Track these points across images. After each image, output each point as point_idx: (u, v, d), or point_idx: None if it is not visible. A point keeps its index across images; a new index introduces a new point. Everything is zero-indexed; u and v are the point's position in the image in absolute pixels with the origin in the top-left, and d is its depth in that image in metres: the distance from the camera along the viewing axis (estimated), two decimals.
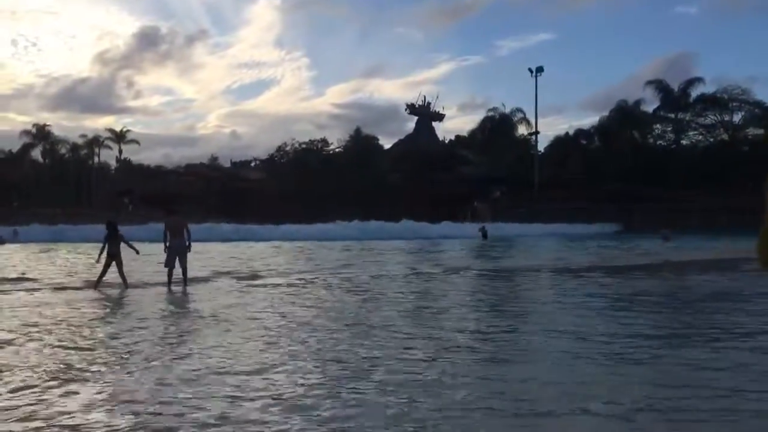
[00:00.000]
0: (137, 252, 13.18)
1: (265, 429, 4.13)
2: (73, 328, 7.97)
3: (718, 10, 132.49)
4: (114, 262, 12.64)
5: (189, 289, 12.43)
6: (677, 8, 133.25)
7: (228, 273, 15.74)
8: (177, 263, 12.86)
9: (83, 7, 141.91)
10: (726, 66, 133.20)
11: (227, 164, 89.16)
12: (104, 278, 12.63)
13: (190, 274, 13.25)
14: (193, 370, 5.64)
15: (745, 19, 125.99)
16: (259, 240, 35.18)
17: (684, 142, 66.52)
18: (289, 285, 13.11)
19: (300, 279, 14.38)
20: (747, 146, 62.83)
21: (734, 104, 63.11)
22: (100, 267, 12.72)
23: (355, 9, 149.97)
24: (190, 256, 13.07)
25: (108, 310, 9.95)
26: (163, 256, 12.95)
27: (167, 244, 12.79)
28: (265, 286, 13.02)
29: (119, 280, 12.65)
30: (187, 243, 13.01)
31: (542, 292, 12.34)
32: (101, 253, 12.68)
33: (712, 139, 65.31)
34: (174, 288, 12.50)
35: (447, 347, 6.59)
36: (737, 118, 63.92)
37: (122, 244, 12.87)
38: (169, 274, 12.78)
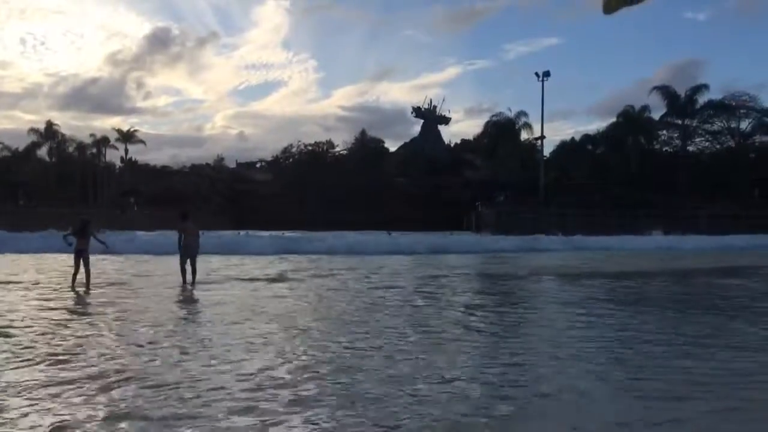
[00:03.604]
0: (106, 246, 13.66)
1: None
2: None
3: (727, 16, 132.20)
4: (82, 259, 12.57)
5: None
6: (686, 14, 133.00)
7: None
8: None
9: (91, 7, 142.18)
10: (735, 73, 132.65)
11: (233, 165, 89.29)
12: (78, 276, 12.54)
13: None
14: None
15: (755, 25, 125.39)
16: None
17: (690, 148, 66.44)
18: None
19: None
20: (754, 153, 62.70)
21: (741, 111, 63.02)
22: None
23: (363, 12, 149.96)
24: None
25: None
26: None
27: (181, 244, 13.19)
28: None
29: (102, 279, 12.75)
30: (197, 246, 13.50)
31: None
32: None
33: (718, 146, 65.24)
34: (188, 287, 12.66)
35: None
36: (744, 125, 63.86)
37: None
38: (183, 272, 13.18)
